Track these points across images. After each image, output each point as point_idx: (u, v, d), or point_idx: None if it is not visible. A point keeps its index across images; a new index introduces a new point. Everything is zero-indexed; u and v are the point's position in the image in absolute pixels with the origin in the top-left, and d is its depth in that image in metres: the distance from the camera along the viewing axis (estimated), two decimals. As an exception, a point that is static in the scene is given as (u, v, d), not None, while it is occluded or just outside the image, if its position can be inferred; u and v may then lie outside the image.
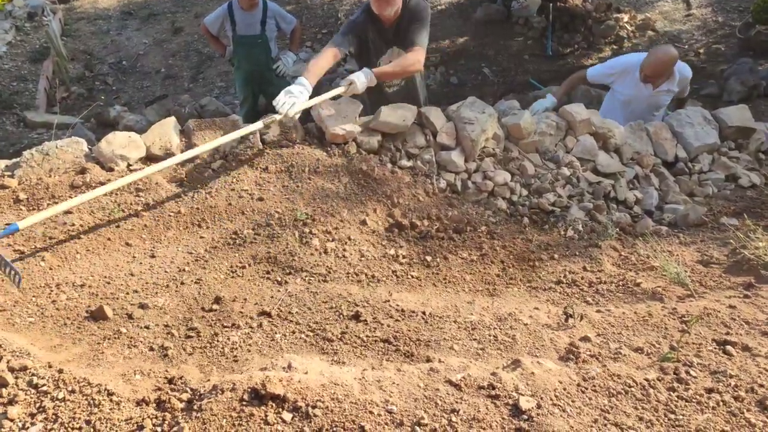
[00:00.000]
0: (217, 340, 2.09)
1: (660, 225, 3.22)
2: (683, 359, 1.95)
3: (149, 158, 3.07)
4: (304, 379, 1.72)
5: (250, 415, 1.56)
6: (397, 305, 2.36)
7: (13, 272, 2.19)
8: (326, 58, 3.39)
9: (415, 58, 3.45)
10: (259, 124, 3.04)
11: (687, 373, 1.86)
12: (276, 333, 2.17)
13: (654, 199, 3.42)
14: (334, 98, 3.34)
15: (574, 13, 7.74)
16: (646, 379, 1.81)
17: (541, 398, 1.67)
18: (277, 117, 3.06)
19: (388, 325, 2.23)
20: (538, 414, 1.60)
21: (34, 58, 8.04)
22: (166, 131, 3.16)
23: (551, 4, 7.70)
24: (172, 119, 3.26)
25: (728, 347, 2.01)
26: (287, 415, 1.57)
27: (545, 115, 3.62)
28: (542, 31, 7.73)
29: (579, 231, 3.08)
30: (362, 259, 2.74)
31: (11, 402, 1.65)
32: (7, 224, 2.45)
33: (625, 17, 7.82)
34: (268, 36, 5.04)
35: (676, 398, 1.74)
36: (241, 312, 2.26)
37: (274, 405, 1.60)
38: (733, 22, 7.58)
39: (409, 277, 2.70)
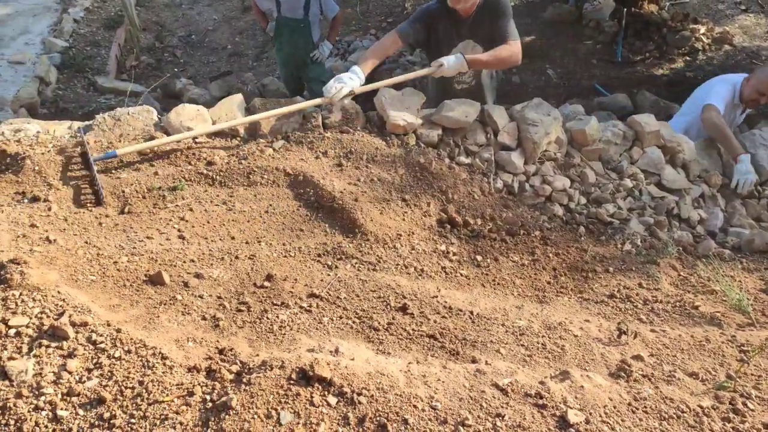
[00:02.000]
0: (267, 317, 2.12)
1: (723, 248, 3.10)
2: (741, 390, 1.87)
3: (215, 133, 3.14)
4: (351, 365, 1.73)
5: (297, 395, 1.58)
6: (445, 302, 2.35)
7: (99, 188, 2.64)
8: (385, 45, 3.38)
9: (511, 51, 3.40)
10: (316, 101, 3.16)
11: (744, 404, 1.79)
12: (324, 316, 2.19)
13: (719, 220, 3.28)
14: (414, 80, 3.36)
15: (649, 20, 7.47)
16: (700, 406, 1.75)
17: (590, 413, 1.63)
18: (321, 100, 3.18)
19: (435, 321, 2.22)
20: (586, 429, 1.56)
21: (108, 25, 8.31)
22: (232, 108, 3.22)
23: (625, 9, 7.46)
24: (239, 96, 3.31)
25: (790, 383, 1.92)
26: (332, 399, 1.59)
27: (612, 123, 3.52)
28: (613, 36, 7.50)
29: (637, 246, 2.99)
30: (412, 251, 2.74)
31: (71, 355, 1.72)
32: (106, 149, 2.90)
33: (702, 29, 7.50)
34: (311, 20, 4.98)
35: (731, 429, 1.67)
36: (291, 292, 2.29)
37: (320, 387, 1.61)
38: (818, 42, 7.18)
39: (458, 274, 2.68)
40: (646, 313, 2.49)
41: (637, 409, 1.70)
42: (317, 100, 3.23)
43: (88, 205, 2.68)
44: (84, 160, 2.86)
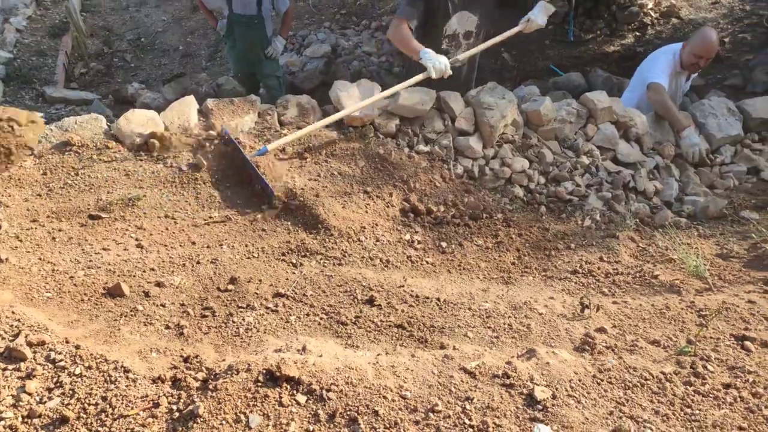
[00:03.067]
0: (233, 321, 2.10)
1: (679, 217, 3.18)
2: (700, 353, 1.93)
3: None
4: (319, 362, 1.72)
5: (265, 396, 1.57)
6: (412, 291, 2.35)
7: (268, 188, 2.80)
8: (409, 32, 3.36)
9: None
10: (423, 75, 3.24)
11: (704, 367, 1.84)
12: (290, 315, 2.17)
13: (674, 190, 3.37)
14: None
15: (598, -1, 7.58)
16: (663, 373, 1.80)
17: (556, 389, 1.66)
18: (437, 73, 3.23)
19: (403, 311, 2.23)
20: (553, 404, 1.59)
21: (53, 33, 8.05)
22: (184, 110, 3.16)
23: (574, -12, 7.55)
24: (191, 98, 3.25)
25: (747, 343, 1.99)
26: (302, 398, 1.58)
27: (566, 102, 3.57)
28: (564, 16, 7.59)
29: (596, 221, 3.05)
30: (377, 243, 2.74)
31: (29, 376, 1.67)
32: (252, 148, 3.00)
33: (650, 3, 7.64)
34: (264, 16, 4.88)
35: (692, 393, 1.72)
36: (256, 293, 2.27)
37: (288, 387, 1.60)
38: (761, 11, 7.39)
39: (424, 262, 2.69)
40: (608, 286, 2.54)
41: (602, 380, 1.74)
42: (427, 74, 3.24)
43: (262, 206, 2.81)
44: (239, 158, 2.94)
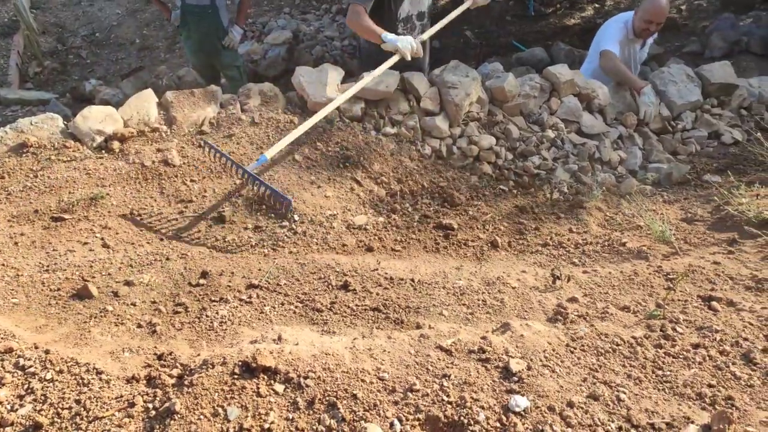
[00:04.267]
0: (206, 315, 2.08)
1: (644, 184, 3.24)
2: (669, 316, 1.98)
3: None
4: (295, 350, 1.72)
5: (242, 388, 1.56)
6: (386, 273, 2.36)
7: (281, 200, 2.57)
8: (367, 17, 3.31)
9: None
10: (394, 59, 3.19)
11: (673, 329, 1.89)
12: (265, 305, 2.16)
13: (638, 158, 3.42)
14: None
15: (556, -28, 7.61)
16: (634, 337, 1.84)
17: (531, 360, 1.69)
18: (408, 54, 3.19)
19: (377, 294, 2.23)
20: (528, 375, 1.61)
21: (3, 32, 7.76)
22: (143, 104, 3.09)
23: (533, -38, 7.56)
24: (149, 91, 3.18)
25: (713, 303, 2.04)
26: (279, 387, 1.57)
27: (528, 77, 3.58)
28: (524, -10, 7.61)
29: (564, 193, 3.08)
30: (348, 228, 2.73)
31: (-1, 384, 1.63)
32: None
33: (607, -25, 7.70)
34: (218, 5, 4.72)
35: (663, 355, 1.77)
36: (229, 286, 2.25)
37: (265, 377, 1.59)
38: (715, -23, 7.50)
39: (397, 244, 2.69)
40: (578, 256, 2.58)
41: (575, 348, 1.77)
42: (396, 58, 3.20)
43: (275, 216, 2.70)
44: (235, 170, 2.74)
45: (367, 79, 3.13)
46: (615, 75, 3.77)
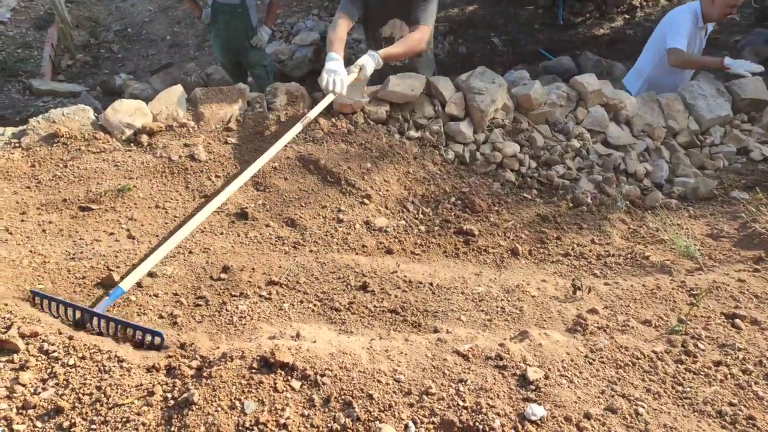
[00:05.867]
0: (226, 309, 2.10)
1: (670, 198, 3.20)
2: (691, 332, 1.95)
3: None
4: (313, 347, 1.73)
5: (260, 383, 1.57)
6: (405, 276, 2.36)
7: (149, 334, 1.86)
8: (342, 27, 3.29)
9: (420, 37, 3.33)
10: (325, 102, 3.01)
11: (695, 345, 1.86)
12: (284, 302, 2.17)
13: (664, 171, 3.38)
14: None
15: (587, -18, 7.57)
16: (654, 352, 1.81)
17: (549, 369, 1.68)
18: (331, 98, 3.03)
19: (396, 296, 2.23)
20: (545, 384, 1.60)
21: (38, 24, 7.95)
22: (172, 100, 3.14)
23: (563, -28, 7.53)
24: (179, 87, 3.22)
25: (737, 321, 2.01)
26: (296, 383, 1.59)
27: (555, 85, 3.56)
28: (554, 0, 7.58)
29: (588, 204, 3.06)
30: (369, 230, 2.74)
31: (23, 368, 1.66)
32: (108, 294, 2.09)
33: (639, -14, 7.64)
34: (248, 4, 4.80)
35: (683, 371, 1.74)
36: (249, 281, 2.27)
37: (283, 373, 1.61)
38: (749, -8, 7.39)
39: (417, 248, 2.69)
40: (600, 268, 2.56)
41: (594, 360, 1.76)
42: (326, 101, 3.02)
43: None
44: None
45: (278, 144, 2.78)
46: (689, 66, 3.96)
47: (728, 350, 1.84)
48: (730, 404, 1.61)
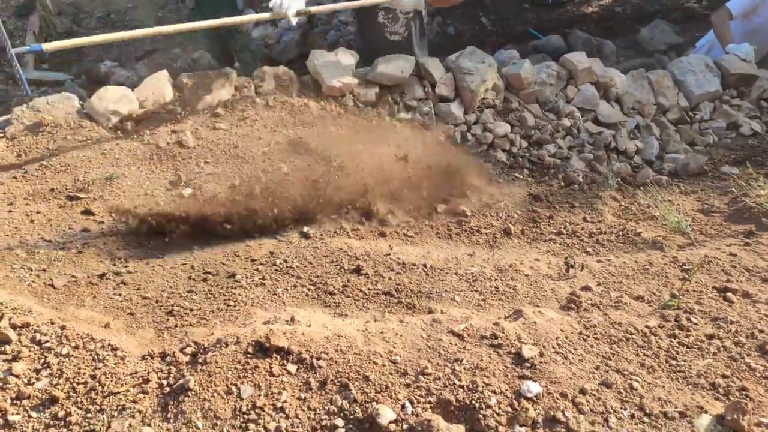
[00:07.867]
0: (220, 295, 2.09)
1: (660, 174, 3.21)
2: (684, 306, 1.96)
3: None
4: (308, 331, 1.72)
5: (255, 367, 1.57)
6: (398, 258, 2.36)
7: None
8: None
9: None
10: (264, 15, 2.93)
11: (688, 320, 1.87)
12: (278, 287, 2.17)
13: (654, 148, 3.39)
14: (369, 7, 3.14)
15: (575, -41, 7.49)
16: (647, 327, 1.83)
17: (544, 346, 1.68)
18: (270, 15, 2.92)
19: (390, 278, 2.23)
20: (540, 362, 1.61)
21: (19, 13, 7.78)
22: (158, 85, 3.09)
23: (551, -51, 7.45)
24: (165, 73, 3.18)
25: (729, 294, 2.02)
26: (292, 367, 1.58)
27: (545, 64, 3.55)
28: (542, -22, 7.51)
29: (579, 182, 3.06)
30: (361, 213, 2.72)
31: (15, 359, 1.65)
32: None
33: (627, -38, 7.57)
34: None
35: (677, 344, 1.75)
36: (243, 267, 2.25)
37: (278, 357, 1.60)
38: (737, -34, 7.35)
39: (409, 230, 2.68)
40: (593, 245, 2.56)
41: (588, 336, 1.77)
42: (266, 15, 2.95)
43: None
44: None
45: (343, 5, 2.94)
46: (717, 31, 4.06)
47: (721, 323, 1.86)
48: (723, 376, 1.62)
